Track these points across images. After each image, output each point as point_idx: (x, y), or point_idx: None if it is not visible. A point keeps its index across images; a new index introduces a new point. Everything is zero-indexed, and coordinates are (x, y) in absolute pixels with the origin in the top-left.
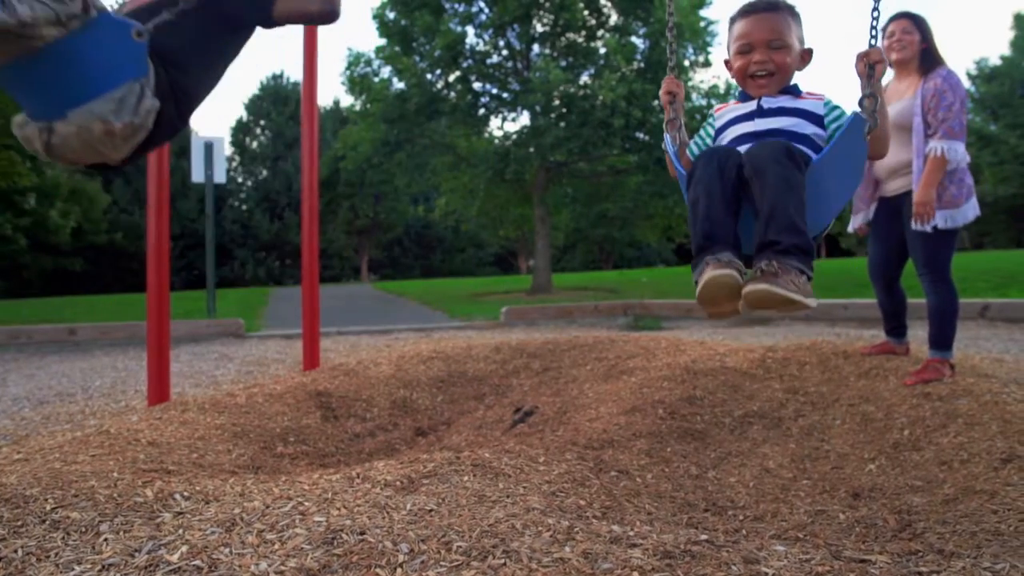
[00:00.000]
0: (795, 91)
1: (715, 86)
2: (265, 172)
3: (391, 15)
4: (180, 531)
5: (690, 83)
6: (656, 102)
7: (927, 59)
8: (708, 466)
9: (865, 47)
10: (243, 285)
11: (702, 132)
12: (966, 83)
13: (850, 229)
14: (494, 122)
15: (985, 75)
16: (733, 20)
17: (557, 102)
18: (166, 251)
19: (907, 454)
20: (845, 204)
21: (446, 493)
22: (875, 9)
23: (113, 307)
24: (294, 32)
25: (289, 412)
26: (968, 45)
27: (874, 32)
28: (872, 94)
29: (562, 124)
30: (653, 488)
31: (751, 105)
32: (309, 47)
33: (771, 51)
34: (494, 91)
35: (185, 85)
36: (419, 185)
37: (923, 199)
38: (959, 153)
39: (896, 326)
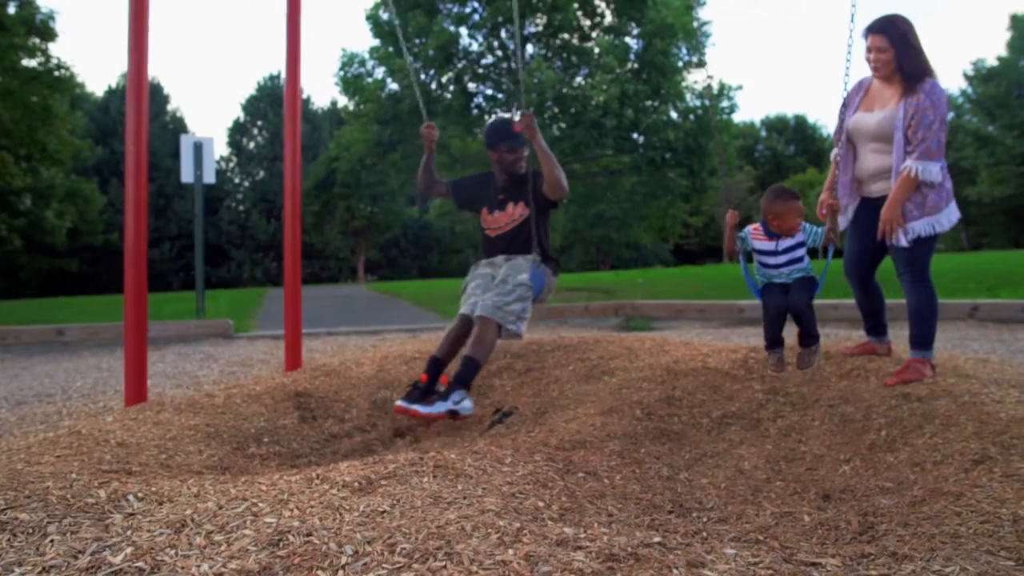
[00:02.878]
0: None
1: (709, 86)
2: (262, 173)
3: (385, 16)
4: (128, 532)
5: (683, 84)
6: (649, 103)
7: (907, 72)
8: (681, 467)
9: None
10: (240, 286)
11: (744, 236)
12: (963, 84)
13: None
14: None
15: (982, 76)
16: (771, 201)
17: (550, 103)
18: (143, 251)
19: (881, 455)
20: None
21: (402, 494)
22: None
23: (104, 307)
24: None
25: (266, 413)
26: (965, 46)
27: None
28: (831, 228)
29: (555, 125)
30: (620, 489)
31: (773, 244)
32: (292, 48)
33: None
34: (488, 91)
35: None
36: (413, 186)
37: (889, 216)
38: (933, 174)
39: (875, 324)
